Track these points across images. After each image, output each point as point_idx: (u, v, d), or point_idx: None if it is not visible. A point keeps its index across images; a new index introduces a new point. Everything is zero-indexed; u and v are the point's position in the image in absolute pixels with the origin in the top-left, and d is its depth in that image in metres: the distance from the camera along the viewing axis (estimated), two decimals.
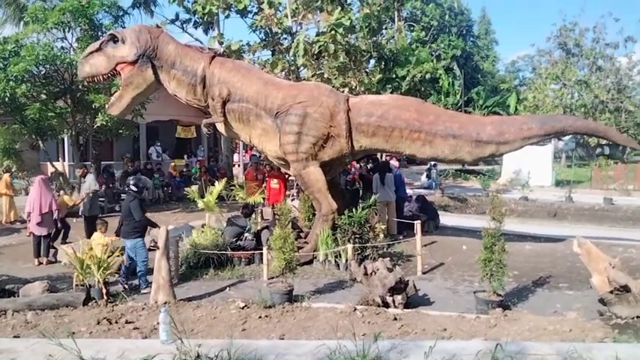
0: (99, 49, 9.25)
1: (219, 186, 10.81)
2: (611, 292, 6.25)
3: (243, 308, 6.63)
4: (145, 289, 7.59)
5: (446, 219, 13.32)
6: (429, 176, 22.30)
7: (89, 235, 9.66)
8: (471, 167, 29.21)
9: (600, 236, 11.22)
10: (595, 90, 31.34)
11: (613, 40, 32.80)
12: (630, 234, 11.89)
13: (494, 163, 27.52)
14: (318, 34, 12.96)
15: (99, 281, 7.14)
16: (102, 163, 17.62)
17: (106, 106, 10.16)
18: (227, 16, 14.64)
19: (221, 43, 13.99)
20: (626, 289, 6.15)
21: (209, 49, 11.19)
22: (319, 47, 12.56)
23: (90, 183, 11.32)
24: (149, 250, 9.43)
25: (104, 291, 7.13)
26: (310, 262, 8.96)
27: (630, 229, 13.19)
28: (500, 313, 6.20)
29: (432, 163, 20.89)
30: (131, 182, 8.09)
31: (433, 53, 33.57)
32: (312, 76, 13.76)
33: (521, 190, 19.84)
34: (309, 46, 12.56)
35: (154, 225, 8.30)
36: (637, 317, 6.06)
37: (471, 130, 8.83)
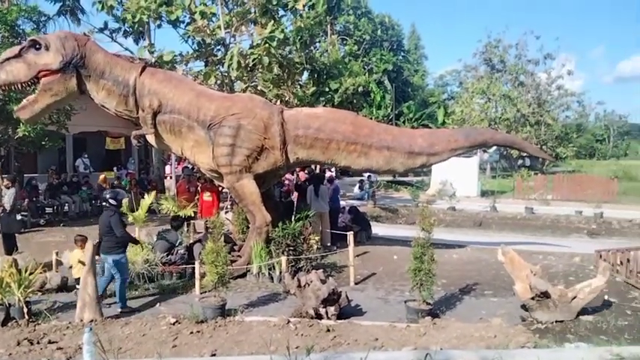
0: (18, 55, 8.61)
1: (149, 199, 10.49)
2: (533, 298, 6.65)
3: (174, 324, 6.47)
4: (124, 308, 7.27)
5: (378, 229, 13.63)
6: (361, 187, 22.77)
7: (8, 253, 9.13)
8: (402, 178, 30.23)
9: (522, 242, 12.01)
10: (517, 104, 33.32)
11: (534, 57, 35.06)
12: (549, 242, 12.70)
13: (424, 175, 28.58)
14: (252, 47, 12.95)
15: (19, 300, 6.73)
16: (25, 175, 16.55)
17: (15, 108, 9.56)
18: (159, 26, 14.30)
19: (152, 53, 13.62)
20: (546, 295, 6.56)
21: (140, 59, 10.85)
22: (253, 60, 12.55)
23: (8, 198, 10.59)
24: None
25: (25, 310, 6.73)
26: (244, 276, 8.87)
27: (549, 237, 14.10)
28: (429, 322, 6.39)
29: (367, 174, 21.38)
30: (108, 196, 7.67)
31: (365, 67, 34.49)
32: (246, 88, 13.71)
33: (448, 200, 20.68)
34: (242, 59, 12.52)
35: (135, 241, 7.99)
36: (556, 322, 6.52)
37: (403, 142, 9.33)
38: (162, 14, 13.14)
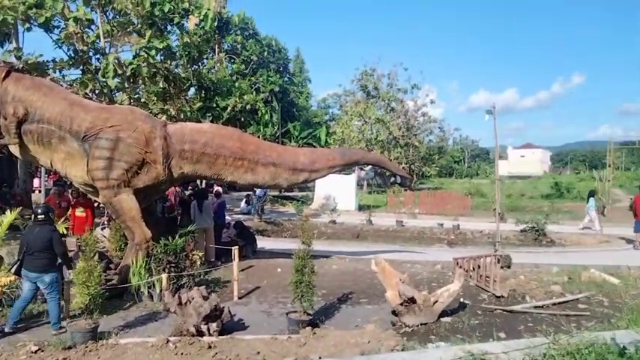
0: None
1: (12, 215, 9.54)
2: (401, 304, 7.19)
3: (36, 352, 5.93)
4: (60, 329, 6.59)
5: (264, 243, 13.83)
6: (248, 202, 22.84)
7: None
8: (287, 193, 30.88)
9: (392, 250, 12.98)
10: (389, 127, 36.14)
11: (403, 86, 38.38)
12: (417, 251, 13.91)
13: (308, 190, 29.50)
14: (134, 57, 12.51)
15: None
16: None
17: None
18: (28, 29, 13.12)
19: (19, 58, 12.45)
20: (412, 300, 7.14)
21: (4, 62, 9.92)
22: (131, 69, 12.12)
23: None
24: None
25: None
26: (120, 295, 8.45)
27: (416, 247, 15.38)
28: (309, 332, 6.62)
29: (255, 189, 21.54)
30: (40, 210, 6.94)
31: (253, 86, 34.86)
32: (129, 99, 13.15)
33: (330, 214, 21.60)
34: (119, 68, 12.02)
35: (70, 263, 7.22)
36: (421, 324, 7.13)
37: (288, 159, 9.79)
38: (31, 16, 12.12)
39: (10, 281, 7.37)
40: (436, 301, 7.38)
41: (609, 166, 29.55)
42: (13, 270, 6.87)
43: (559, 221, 20.65)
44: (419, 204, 26.21)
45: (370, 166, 30.64)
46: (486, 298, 8.78)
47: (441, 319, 7.38)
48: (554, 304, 8.33)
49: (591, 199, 19.69)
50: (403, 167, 35.44)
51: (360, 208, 26.37)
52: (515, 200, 32.82)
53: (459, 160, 75.89)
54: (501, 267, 10.51)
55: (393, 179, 39.03)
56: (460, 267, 9.74)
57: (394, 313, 7.41)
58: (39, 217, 6.98)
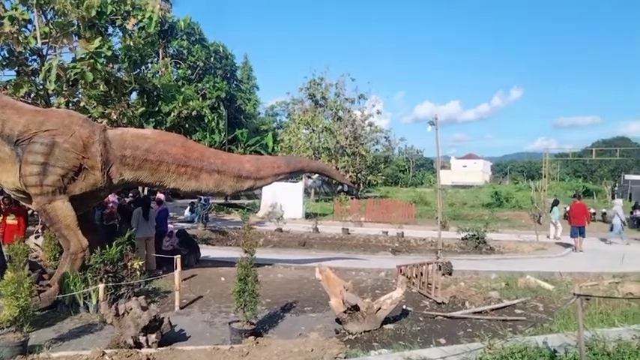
0: None
1: None
2: (345, 311, 7.24)
3: None
4: None
5: (208, 252, 13.58)
6: (192, 210, 22.38)
7: None
8: (233, 201, 30.51)
9: (338, 258, 13.09)
10: (337, 136, 36.59)
11: (350, 96, 39.00)
12: (361, 258, 14.08)
13: (255, 198, 29.28)
14: (74, 61, 12.00)
15: None
16: None
17: None
18: None
19: None
20: (356, 308, 7.20)
21: None
22: (75, 74, 11.64)
23: None
24: None
25: None
26: (54, 307, 8.05)
27: (362, 254, 15.60)
28: (252, 341, 6.55)
29: (200, 197, 21.13)
30: None
31: (199, 92, 34.32)
32: (67, 103, 12.58)
33: (276, 222, 21.54)
34: (62, 72, 11.52)
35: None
36: (364, 332, 7.18)
37: (232, 167, 9.71)
38: None
39: None
40: (379, 309, 7.46)
41: (545, 176, 31.13)
42: None
43: (498, 229, 21.56)
44: (365, 212, 26.64)
45: (317, 175, 30.95)
46: (428, 304, 8.99)
47: (384, 326, 7.47)
48: (492, 309, 8.64)
49: (555, 208, 19.99)
50: (350, 176, 35.98)
51: (307, 216, 26.47)
52: (457, 209, 34.07)
53: (405, 170, 77.88)
54: (443, 274, 10.81)
55: (340, 187, 39.63)
56: (403, 274, 9.94)
57: (338, 321, 7.44)
58: None
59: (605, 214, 27.52)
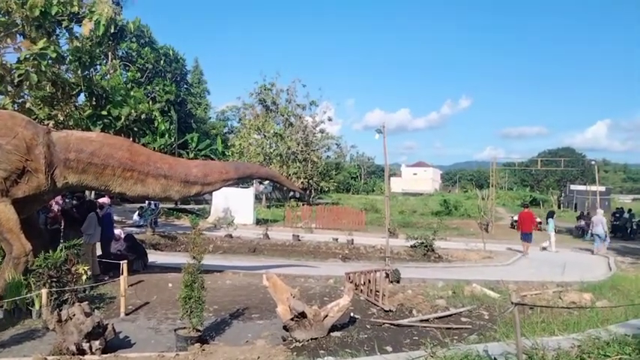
0: None
1: None
2: (292, 319, 7.19)
3: None
4: None
5: (156, 257, 13.35)
6: (141, 214, 21.85)
7: None
8: (184, 206, 29.96)
9: (288, 265, 13.12)
10: (288, 142, 36.73)
11: (302, 102, 39.28)
12: (310, 265, 14.21)
13: (205, 203, 28.88)
14: (19, 61, 11.55)
15: None
16: None
17: None
18: None
19: None
20: (303, 315, 7.18)
21: None
22: (19, 75, 11.21)
23: None
24: None
25: None
26: None
27: (312, 261, 15.68)
28: (198, 349, 6.50)
29: (149, 202, 20.67)
30: None
31: (148, 95, 33.58)
32: (12, 104, 12.08)
33: (226, 228, 21.36)
34: (6, 73, 11.07)
35: None
36: (311, 339, 7.16)
37: (179, 172, 9.66)
38: None
39: None
40: (326, 316, 7.46)
41: (492, 185, 32.25)
42: None
43: (447, 237, 22.12)
44: (316, 219, 26.82)
45: (268, 181, 30.94)
46: (376, 312, 9.04)
47: (332, 333, 7.46)
48: (439, 317, 8.73)
49: (550, 219, 20.00)
50: (302, 182, 36.15)
51: (258, 222, 26.37)
52: (407, 216, 34.64)
53: (356, 177, 78.95)
54: (391, 281, 10.90)
55: (291, 193, 39.73)
56: (351, 281, 10.00)
57: (285, 328, 7.37)
58: None
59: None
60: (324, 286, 11.21)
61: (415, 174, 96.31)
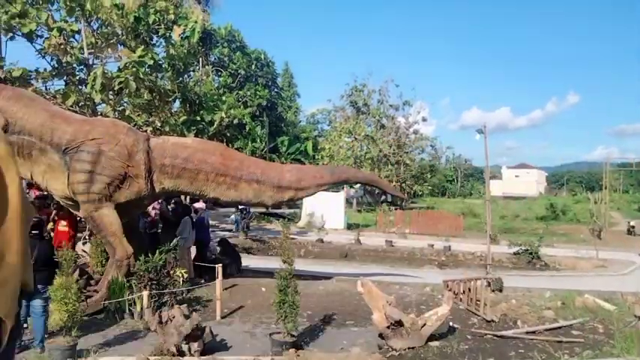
0: None
1: None
2: (388, 327, 7.00)
3: None
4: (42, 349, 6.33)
5: (249, 261, 13.58)
6: (237, 220, 22.54)
7: None
8: (274, 210, 30.62)
9: (381, 272, 12.77)
10: (380, 145, 36.09)
11: (394, 103, 38.39)
12: (406, 273, 13.64)
13: (296, 207, 29.24)
14: (119, 70, 12.36)
15: None
16: None
17: None
18: (11, 38, 12.97)
19: (0, 67, 12.26)
20: (400, 323, 6.96)
21: None
22: (119, 83, 11.96)
23: None
24: None
25: None
26: (100, 312, 8.19)
27: (406, 268, 15.19)
28: (293, 354, 6.41)
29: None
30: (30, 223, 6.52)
31: (240, 100, 34.76)
32: (112, 111, 12.96)
33: (317, 232, 21.35)
34: (107, 81, 11.87)
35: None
36: (408, 348, 6.92)
37: (272, 176, 9.50)
38: (14, 26, 11.94)
39: None
40: (424, 325, 7.21)
41: (605, 188, 29.58)
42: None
43: (554, 244, 20.52)
44: (410, 224, 26.04)
45: (359, 184, 30.61)
46: (476, 322, 8.62)
47: (430, 343, 7.19)
48: (547, 330, 8.18)
49: None
50: (394, 186, 35.40)
51: (349, 226, 26.15)
52: (509, 221, 32.73)
53: (452, 180, 75.88)
54: (492, 290, 10.35)
55: (383, 197, 39.05)
56: (450, 290, 9.62)
57: (381, 336, 7.22)
58: (33, 231, 6.80)
59: None
60: (421, 294, 10.74)
61: (517, 176, 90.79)
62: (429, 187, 44.27)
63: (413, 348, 6.95)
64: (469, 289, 9.70)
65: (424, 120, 39.32)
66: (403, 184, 37.70)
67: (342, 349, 6.99)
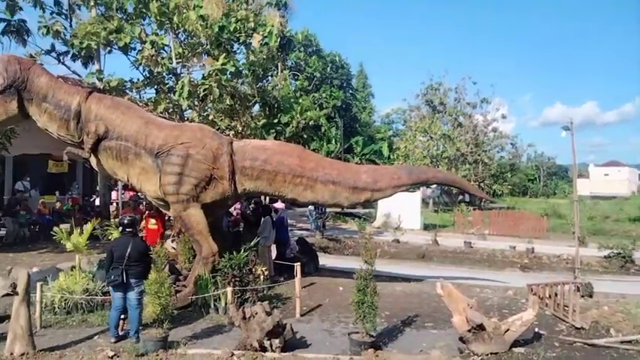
0: None
1: (90, 226, 10.12)
2: (469, 330, 6.81)
3: (112, 357, 6.27)
4: (139, 339, 6.90)
5: (325, 260, 13.76)
6: (315, 219, 22.87)
7: None
8: (350, 210, 30.74)
9: (461, 276, 12.44)
10: (457, 143, 35.07)
11: (471, 100, 37.14)
12: (486, 275, 13.23)
13: (371, 207, 29.16)
14: (203, 77, 13.05)
15: None
16: None
17: None
18: (109, 52, 14.17)
19: (100, 79, 13.41)
20: (481, 327, 6.76)
21: (87, 84, 10.70)
22: (204, 90, 12.63)
23: None
24: (6, 295, 8.49)
25: None
26: (188, 307, 8.68)
27: (486, 270, 14.76)
28: (372, 354, 6.45)
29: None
30: (126, 222, 7.33)
31: (316, 102, 35.21)
32: (197, 117, 13.72)
33: (393, 232, 21.18)
34: (193, 89, 12.57)
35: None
36: (491, 354, 6.71)
37: (348, 178, 9.52)
38: (112, 40, 13.03)
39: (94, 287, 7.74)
40: (507, 330, 6.96)
41: None
42: (112, 278, 7.02)
43: None
44: (489, 224, 25.10)
45: (448, 186, 29.84)
46: (565, 329, 8.19)
47: (514, 349, 6.94)
48: None
49: None
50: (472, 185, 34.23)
51: (426, 227, 25.68)
52: (598, 223, 30.51)
53: (534, 179, 71.74)
54: (582, 296, 9.79)
55: (461, 197, 37.79)
56: (535, 294, 9.15)
57: (461, 339, 7.04)
58: (127, 229, 7.31)
59: None
60: (502, 297, 10.38)
61: (607, 174, 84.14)
62: (509, 187, 42.35)
63: (496, 353, 6.73)
64: (556, 294, 9.21)
65: (503, 117, 37.81)
66: (481, 184, 36.34)
67: (421, 351, 6.91)
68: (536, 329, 7.85)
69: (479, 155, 36.08)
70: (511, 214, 26.99)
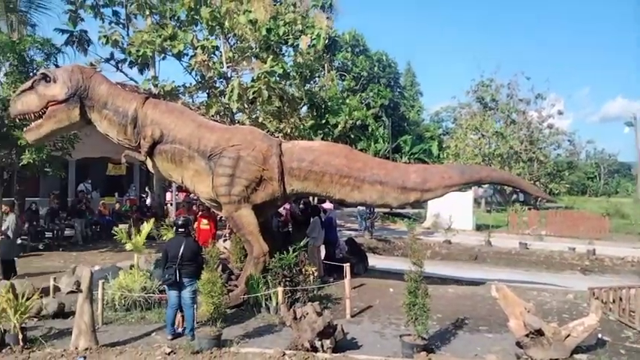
0: (31, 88, 9.15)
1: (147, 226, 10.53)
2: (527, 335, 6.59)
3: (169, 354, 6.47)
4: (194, 336, 7.10)
5: (374, 261, 13.65)
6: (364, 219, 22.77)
7: (6, 277, 9.27)
8: (399, 210, 30.38)
9: (516, 279, 12.01)
10: (510, 141, 33.81)
11: (525, 96, 35.72)
12: (543, 278, 12.76)
13: (420, 207, 28.68)
14: (253, 80, 13.28)
15: (15, 326, 6.71)
16: (27, 199, 16.67)
17: (24, 130, 9.88)
18: (163, 58, 14.72)
19: (155, 85, 13.96)
20: (540, 332, 6.52)
21: (143, 90, 11.13)
22: (253, 93, 12.84)
23: (9, 224, 10.68)
24: (71, 292, 9.01)
25: (20, 336, 6.71)
26: (240, 306, 8.84)
27: (544, 272, 14.20)
28: (424, 357, 6.36)
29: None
30: (180, 223, 7.58)
31: (363, 102, 35.03)
32: (247, 119, 13.98)
33: (444, 233, 20.73)
34: (243, 91, 12.81)
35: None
36: None
37: (396, 178, 9.35)
38: (166, 48, 13.51)
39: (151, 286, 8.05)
40: (568, 335, 6.68)
41: None
42: (167, 277, 7.22)
43: None
44: (546, 225, 24.08)
45: (504, 186, 28.91)
46: (631, 335, 7.78)
47: (575, 355, 6.66)
48: None
49: None
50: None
51: (478, 227, 24.97)
52: None
53: (594, 177, 68.16)
54: None
55: (515, 197, 36.54)
56: (597, 298, 8.78)
57: (518, 344, 6.82)
58: (180, 229, 7.53)
59: None
60: (562, 302, 9.95)
61: None
62: (567, 185, 40.36)
63: None
64: (620, 298, 8.75)
65: (560, 113, 36.05)
66: (537, 183, 34.90)
67: (476, 355, 6.75)
68: (600, 335, 7.50)
69: (533, 153, 34.66)
70: (570, 214, 25.79)
